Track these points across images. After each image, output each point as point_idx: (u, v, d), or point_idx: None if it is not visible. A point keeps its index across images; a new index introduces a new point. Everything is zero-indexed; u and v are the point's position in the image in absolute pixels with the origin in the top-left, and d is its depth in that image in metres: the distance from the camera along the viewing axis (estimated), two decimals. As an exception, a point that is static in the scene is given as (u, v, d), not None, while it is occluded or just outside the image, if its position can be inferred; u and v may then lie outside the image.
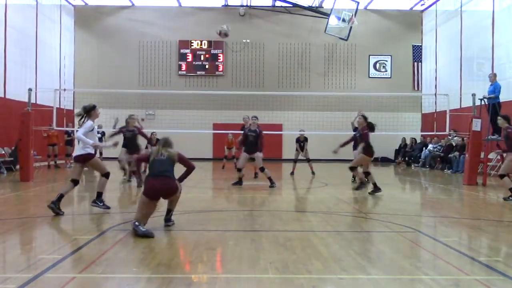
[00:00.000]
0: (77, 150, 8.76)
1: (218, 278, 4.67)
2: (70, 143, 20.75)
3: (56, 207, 8.15)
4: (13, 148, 16.30)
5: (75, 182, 8.49)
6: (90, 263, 5.07)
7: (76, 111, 9.15)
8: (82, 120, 8.56)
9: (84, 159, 8.51)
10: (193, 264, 5.20)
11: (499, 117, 11.36)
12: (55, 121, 16.21)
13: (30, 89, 15.35)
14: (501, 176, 10.99)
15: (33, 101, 16.26)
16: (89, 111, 8.56)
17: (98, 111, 8.75)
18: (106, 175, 8.69)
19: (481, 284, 4.55)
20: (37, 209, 9.05)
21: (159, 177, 6.84)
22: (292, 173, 17.47)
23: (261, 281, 4.58)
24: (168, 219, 7.22)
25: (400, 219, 8.09)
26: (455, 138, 19.80)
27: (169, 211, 7.24)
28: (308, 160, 17.72)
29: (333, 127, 22.76)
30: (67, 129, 20.23)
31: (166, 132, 17.26)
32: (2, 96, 18.42)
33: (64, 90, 23.20)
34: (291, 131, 23.73)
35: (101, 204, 8.63)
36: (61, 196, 8.27)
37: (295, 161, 18.00)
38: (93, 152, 8.65)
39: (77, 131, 9.02)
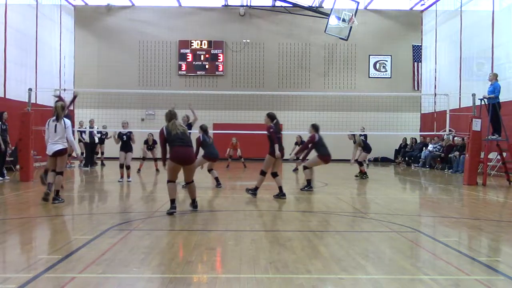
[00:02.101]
0: (59, 145, 9.42)
1: (218, 278, 4.67)
2: (70, 143, 20.75)
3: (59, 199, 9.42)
4: (13, 148, 16.29)
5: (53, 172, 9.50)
6: (90, 263, 5.06)
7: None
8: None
9: (64, 152, 9.47)
10: (193, 264, 5.20)
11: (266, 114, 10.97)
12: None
13: (30, 89, 15.34)
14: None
15: (33, 101, 16.26)
16: (64, 109, 9.63)
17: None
18: (62, 173, 9.52)
19: (481, 284, 4.55)
20: (37, 209, 9.05)
21: (183, 146, 8.30)
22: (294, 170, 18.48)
23: (261, 281, 4.58)
24: (195, 206, 8.63)
25: (400, 219, 8.10)
26: (455, 138, 19.78)
27: (194, 200, 8.66)
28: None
29: (333, 127, 22.72)
30: (80, 129, 20.26)
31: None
32: (2, 96, 18.40)
33: (64, 90, 23.13)
34: (291, 131, 23.73)
35: (60, 199, 9.47)
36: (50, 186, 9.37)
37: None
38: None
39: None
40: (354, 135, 17.46)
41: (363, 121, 23.49)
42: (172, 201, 8.35)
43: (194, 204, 8.71)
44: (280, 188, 10.63)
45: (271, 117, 10.67)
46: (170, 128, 8.38)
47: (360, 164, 16.39)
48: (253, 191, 10.74)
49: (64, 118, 9.46)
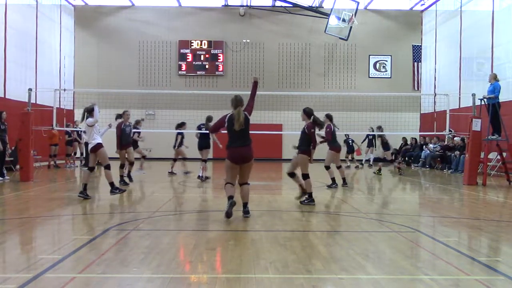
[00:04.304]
0: (91, 143, 10.41)
1: (218, 278, 4.67)
2: (70, 143, 20.73)
3: (84, 195, 9.98)
4: (13, 148, 16.30)
5: (92, 169, 10.53)
6: (90, 263, 5.07)
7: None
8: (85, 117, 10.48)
9: (97, 148, 10.27)
10: (193, 264, 5.20)
11: None
12: (55, 121, 16.22)
13: (30, 89, 15.33)
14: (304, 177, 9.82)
15: (33, 101, 16.26)
16: (90, 112, 10.42)
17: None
18: (108, 166, 10.40)
19: (481, 284, 4.55)
20: (37, 209, 9.06)
21: (241, 146, 7.96)
22: None
23: (261, 281, 4.58)
24: (246, 212, 8.00)
25: (400, 219, 8.10)
26: (455, 138, 19.75)
27: (245, 204, 8.06)
28: None
29: (333, 127, 22.72)
30: (69, 129, 20.21)
31: (166, 132, 17.33)
32: (2, 96, 18.41)
33: (64, 90, 23.18)
34: (290, 131, 23.74)
35: (117, 190, 10.36)
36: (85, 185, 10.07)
37: None
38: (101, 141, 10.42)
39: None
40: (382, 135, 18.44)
41: (363, 121, 23.47)
42: (230, 197, 7.82)
43: (245, 209, 8.06)
44: (306, 192, 9.76)
45: (309, 113, 10.09)
46: (235, 118, 7.90)
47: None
48: (309, 199, 9.70)
49: (89, 118, 10.26)
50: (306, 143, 9.72)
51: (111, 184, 10.36)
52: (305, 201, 9.63)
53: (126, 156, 13.40)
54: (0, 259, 5.59)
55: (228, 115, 8.09)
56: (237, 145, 7.96)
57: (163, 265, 5.07)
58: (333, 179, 12.94)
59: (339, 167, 13.40)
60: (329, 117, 12.84)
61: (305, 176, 9.70)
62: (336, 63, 27.91)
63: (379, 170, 18.29)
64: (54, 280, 4.53)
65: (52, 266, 4.95)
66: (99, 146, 10.34)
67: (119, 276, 4.73)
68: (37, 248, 6.04)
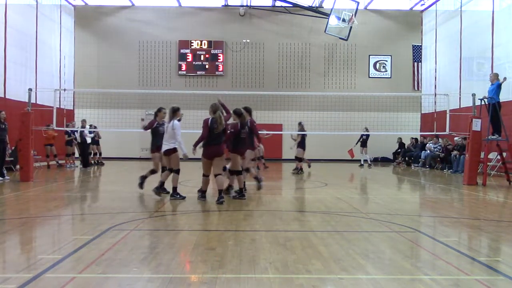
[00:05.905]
0: (166, 145, 10.14)
1: (218, 278, 4.67)
2: (70, 143, 20.71)
3: (178, 196, 10.06)
4: (13, 148, 16.31)
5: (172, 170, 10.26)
6: (90, 263, 5.07)
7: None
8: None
9: (171, 152, 10.11)
10: (193, 264, 5.20)
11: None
12: (55, 121, 16.22)
13: (30, 89, 15.33)
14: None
15: (33, 101, 16.25)
16: (175, 112, 10.17)
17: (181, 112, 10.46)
18: (177, 171, 10.15)
19: (481, 284, 4.55)
20: (37, 209, 9.06)
21: (215, 145, 9.48)
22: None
23: (261, 281, 4.58)
24: (220, 198, 9.42)
25: (400, 219, 8.09)
26: (455, 138, 19.74)
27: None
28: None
29: (333, 127, 22.77)
30: (68, 129, 20.20)
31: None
32: (2, 96, 18.39)
33: (64, 90, 23.18)
34: (290, 131, 23.74)
35: (177, 196, 10.11)
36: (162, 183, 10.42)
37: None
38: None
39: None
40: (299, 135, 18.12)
41: (363, 121, 23.49)
42: (203, 192, 9.80)
43: (220, 196, 9.50)
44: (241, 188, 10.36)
45: (237, 113, 10.31)
46: (217, 121, 9.36)
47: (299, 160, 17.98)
48: (240, 194, 10.23)
49: (174, 121, 10.04)
50: (235, 142, 10.29)
51: (174, 188, 10.16)
52: (237, 196, 10.25)
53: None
54: (0, 259, 5.59)
55: (210, 119, 9.46)
56: (211, 144, 9.48)
57: (163, 265, 5.07)
58: (243, 188, 10.67)
59: (248, 170, 11.15)
60: (248, 110, 10.80)
61: (233, 172, 10.46)
62: (336, 63, 27.91)
63: (298, 169, 17.83)
64: (54, 280, 4.53)
65: (52, 266, 4.95)
66: (173, 150, 10.11)
67: (119, 276, 4.73)
68: (37, 248, 6.04)
